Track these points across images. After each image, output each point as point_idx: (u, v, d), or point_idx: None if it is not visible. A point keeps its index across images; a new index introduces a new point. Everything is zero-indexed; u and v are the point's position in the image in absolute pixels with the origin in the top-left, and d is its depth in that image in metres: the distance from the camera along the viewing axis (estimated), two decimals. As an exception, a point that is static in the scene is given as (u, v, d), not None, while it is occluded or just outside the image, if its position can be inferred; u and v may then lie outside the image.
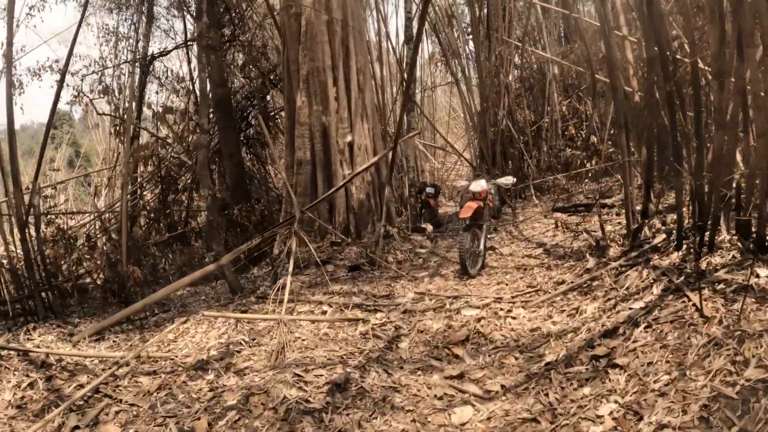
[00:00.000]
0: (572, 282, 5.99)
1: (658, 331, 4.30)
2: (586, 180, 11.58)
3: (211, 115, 11.66)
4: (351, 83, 9.16)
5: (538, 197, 11.92)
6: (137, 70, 11.17)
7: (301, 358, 5.37)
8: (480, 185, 7.68)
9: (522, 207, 11.62)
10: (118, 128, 12.31)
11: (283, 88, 9.88)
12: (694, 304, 4.40)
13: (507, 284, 6.86)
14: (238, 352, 5.73)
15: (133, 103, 12.34)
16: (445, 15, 14.03)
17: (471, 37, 13.46)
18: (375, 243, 8.32)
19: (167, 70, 12.16)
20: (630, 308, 4.84)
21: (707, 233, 5.11)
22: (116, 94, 12.28)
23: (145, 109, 12.76)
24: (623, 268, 5.64)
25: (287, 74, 9.49)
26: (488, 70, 12.24)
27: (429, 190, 12.36)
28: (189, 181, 12.56)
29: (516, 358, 4.83)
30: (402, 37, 15.05)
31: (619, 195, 10.32)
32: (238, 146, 10.78)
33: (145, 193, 13.22)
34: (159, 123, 12.34)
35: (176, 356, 5.87)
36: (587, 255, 6.38)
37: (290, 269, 6.62)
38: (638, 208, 6.40)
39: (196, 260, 9.96)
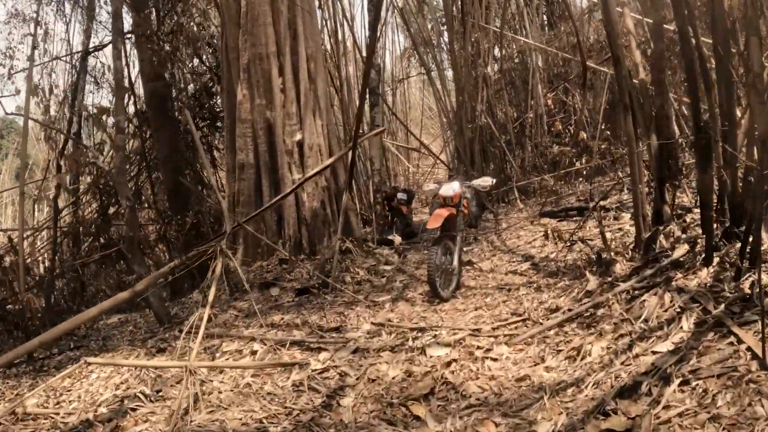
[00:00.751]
0: (569, 309, 4.62)
1: (701, 390, 2.95)
2: (579, 180, 10.23)
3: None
4: (300, 72, 7.77)
5: (523, 201, 10.58)
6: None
7: (208, 421, 4.01)
8: (452, 189, 6.34)
9: (505, 212, 10.29)
10: (47, 133, 10.85)
11: (222, 80, 8.48)
12: (749, 348, 3.06)
13: (487, 310, 5.50)
14: (133, 410, 4.39)
15: (65, 106, 10.95)
16: (416, 0, 12.68)
17: (445, 27, 12.14)
18: (327, 260, 6.92)
19: (103, 67, 10.73)
20: (653, 351, 3.48)
21: (748, 242, 3.78)
22: (46, 94, 10.82)
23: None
24: (636, 292, 4.27)
25: (226, 63, 8.10)
26: (464, 59, 10.90)
27: (401, 196, 10.96)
28: (132, 191, 11.10)
29: (497, 425, 3.44)
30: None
31: (615, 196, 9.04)
32: (176, 148, 9.33)
33: (92, 205, 11.77)
34: (94, 126, 10.89)
35: (59, 413, 4.58)
36: (586, 272, 5.01)
37: (210, 299, 5.21)
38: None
39: (121, 283, 8.55)
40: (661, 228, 4.68)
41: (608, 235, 5.87)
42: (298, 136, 7.67)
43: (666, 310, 3.92)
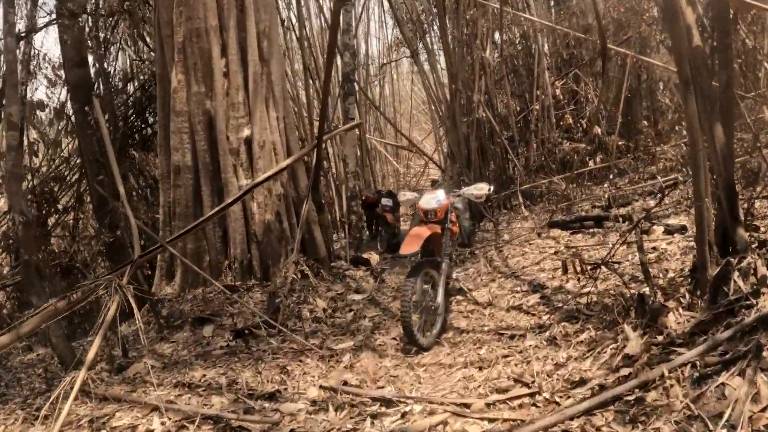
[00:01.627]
0: (601, 386, 3.08)
1: None
2: (604, 187, 8.64)
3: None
4: (248, 52, 6.23)
5: (529, 207, 9.02)
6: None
7: None
8: (435, 200, 4.85)
9: (507, 221, 8.74)
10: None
11: (156, 64, 6.95)
12: None
13: (480, 369, 3.97)
14: None
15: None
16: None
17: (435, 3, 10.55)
18: (278, 290, 5.40)
19: (38, 54, 9.18)
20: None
21: None
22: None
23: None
24: (707, 369, 2.73)
25: (159, 43, 6.57)
26: (458, 41, 9.35)
27: (386, 201, 9.47)
28: (72, 199, 9.61)
29: None
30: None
31: (637, 202, 7.52)
32: (103, 150, 7.80)
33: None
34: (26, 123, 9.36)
35: None
36: (624, 323, 3.47)
37: (89, 357, 3.70)
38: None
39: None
40: (735, 261, 3.13)
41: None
42: (246, 132, 6.13)
43: (764, 409, 2.39)
